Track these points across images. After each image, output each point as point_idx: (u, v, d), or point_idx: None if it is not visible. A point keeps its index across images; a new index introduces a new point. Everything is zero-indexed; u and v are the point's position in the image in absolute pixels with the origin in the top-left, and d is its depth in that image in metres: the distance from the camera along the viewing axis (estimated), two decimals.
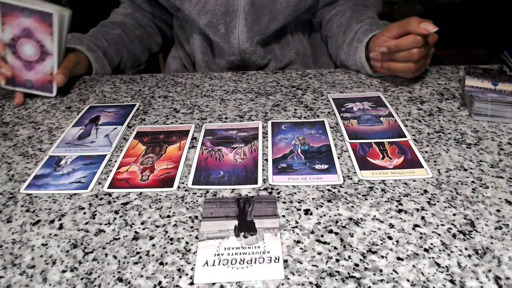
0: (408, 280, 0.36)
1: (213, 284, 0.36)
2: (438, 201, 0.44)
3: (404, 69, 0.67)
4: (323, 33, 0.89)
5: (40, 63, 0.69)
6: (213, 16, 0.79)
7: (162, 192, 0.48)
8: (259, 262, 0.38)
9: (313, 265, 0.37)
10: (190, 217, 0.44)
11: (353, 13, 0.80)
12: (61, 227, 0.43)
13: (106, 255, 0.39)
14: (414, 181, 0.48)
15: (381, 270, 0.37)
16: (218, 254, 0.39)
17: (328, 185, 0.47)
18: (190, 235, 0.41)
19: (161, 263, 0.38)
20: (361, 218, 0.42)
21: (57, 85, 0.71)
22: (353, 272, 0.36)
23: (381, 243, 0.39)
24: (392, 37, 0.65)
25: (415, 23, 0.61)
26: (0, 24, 0.67)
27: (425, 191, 0.46)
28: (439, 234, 0.40)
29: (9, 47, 0.68)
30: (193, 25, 0.83)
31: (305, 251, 0.39)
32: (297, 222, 0.42)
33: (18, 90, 0.70)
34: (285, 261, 0.38)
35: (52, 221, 0.44)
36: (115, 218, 0.44)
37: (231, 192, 0.47)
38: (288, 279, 0.36)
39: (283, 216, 0.43)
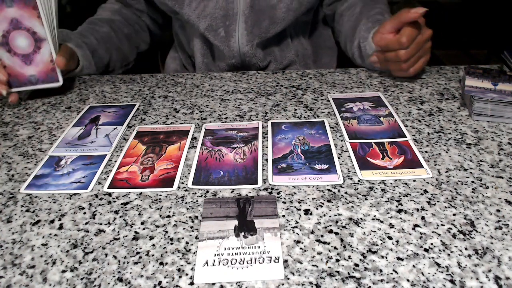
0: (408, 280, 0.36)
1: (213, 284, 0.36)
2: (438, 201, 0.44)
3: (397, 69, 0.68)
4: (336, 27, 0.88)
5: (37, 53, 0.67)
6: (213, 20, 0.78)
7: (162, 192, 0.48)
8: (259, 262, 0.38)
9: (313, 265, 0.37)
10: (190, 217, 0.44)
11: (363, 8, 0.80)
12: (61, 227, 0.43)
13: (106, 255, 0.39)
14: (414, 181, 0.48)
15: (381, 270, 0.37)
16: (218, 254, 0.39)
17: (328, 185, 0.47)
18: (190, 235, 0.41)
19: (161, 263, 0.38)
20: (361, 218, 0.42)
21: (60, 70, 0.68)
22: (353, 272, 0.36)
23: (381, 243, 0.39)
24: (387, 32, 0.65)
25: (406, 11, 0.62)
26: None
27: (425, 191, 0.46)
28: (439, 234, 0.40)
29: (2, 46, 0.66)
30: (193, 28, 0.83)
31: (305, 251, 0.39)
32: (297, 222, 0.42)
33: (26, 89, 0.68)
34: (285, 261, 0.38)
35: (52, 221, 0.44)
36: (115, 218, 0.44)
37: (231, 192, 0.47)
38: (288, 279, 0.36)
39: (283, 216, 0.43)
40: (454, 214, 0.43)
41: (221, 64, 0.85)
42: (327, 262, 0.38)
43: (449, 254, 0.38)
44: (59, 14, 0.70)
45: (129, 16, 0.90)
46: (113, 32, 0.84)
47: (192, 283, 0.36)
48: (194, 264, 0.38)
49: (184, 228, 0.42)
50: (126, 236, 0.42)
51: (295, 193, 0.46)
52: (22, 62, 0.67)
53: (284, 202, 0.45)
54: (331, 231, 0.41)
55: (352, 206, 0.44)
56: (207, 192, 0.47)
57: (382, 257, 0.38)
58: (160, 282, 0.36)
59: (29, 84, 0.68)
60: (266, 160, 0.52)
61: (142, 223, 0.43)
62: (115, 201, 0.46)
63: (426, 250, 0.38)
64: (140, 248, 0.40)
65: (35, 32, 0.66)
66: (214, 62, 0.86)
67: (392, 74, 0.71)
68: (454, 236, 0.40)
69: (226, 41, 0.80)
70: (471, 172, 0.49)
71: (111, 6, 0.89)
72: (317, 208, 0.44)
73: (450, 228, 0.41)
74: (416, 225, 0.41)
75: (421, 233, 0.40)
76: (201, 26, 0.79)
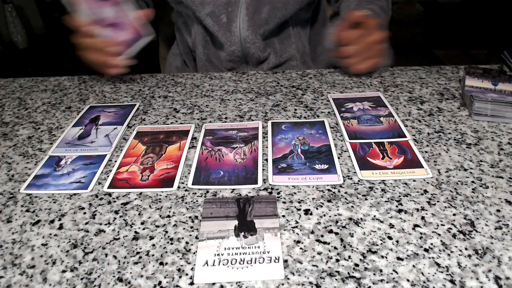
0: (408, 280, 0.36)
1: (213, 284, 0.36)
2: (438, 201, 0.44)
3: (345, 64, 0.73)
4: None
5: (124, 16, 0.69)
6: (216, 6, 0.81)
7: (162, 192, 0.48)
8: (259, 262, 0.38)
9: (313, 265, 0.37)
10: (190, 217, 0.44)
11: (357, 6, 0.80)
12: (61, 227, 0.43)
13: (106, 255, 0.39)
14: (414, 181, 0.48)
15: (381, 270, 0.37)
16: (218, 254, 0.39)
17: (328, 185, 0.47)
18: (190, 235, 0.41)
19: (161, 263, 0.38)
20: (361, 218, 0.42)
21: (148, 21, 0.70)
22: (353, 272, 0.36)
23: (381, 243, 0.39)
24: (340, 30, 0.70)
25: (352, 12, 0.67)
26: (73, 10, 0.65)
27: (425, 191, 0.46)
28: (439, 234, 0.40)
29: (96, 24, 0.67)
30: (195, 19, 0.84)
31: (305, 251, 0.39)
32: (297, 222, 0.42)
33: (134, 53, 0.70)
34: (285, 261, 0.38)
35: (52, 221, 0.44)
36: (115, 218, 0.44)
37: (231, 192, 0.47)
38: (288, 279, 0.36)
39: (283, 216, 0.43)
40: (454, 214, 0.43)
41: (222, 54, 0.86)
42: (327, 262, 0.38)
43: (449, 254, 0.38)
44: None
45: None
46: None
47: (192, 283, 0.36)
48: (194, 264, 0.38)
49: (184, 228, 0.42)
50: (126, 236, 0.42)
51: (295, 193, 0.46)
52: (118, 30, 0.69)
53: (284, 202, 0.45)
54: (331, 231, 0.41)
55: (352, 206, 0.44)
56: (207, 192, 0.47)
57: (382, 257, 0.38)
58: (160, 282, 0.36)
59: (130, 49, 0.70)
60: (266, 160, 0.52)
61: (142, 223, 0.43)
62: (115, 201, 0.46)
63: (426, 250, 0.38)
64: (140, 248, 0.40)
65: None
66: (215, 53, 0.87)
67: (346, 70, 0.74)
68: (454, 236, 0.40)
69: (228, 27, 0.82)
70: (471, 172, 0.49)
71: None
72: (317, 208, 0.44)
73: (450, 228, 0.41)
74: (416, 225, 0.41)
75: (421, 233, 0.40)
76: (203, 12, 0.81)
